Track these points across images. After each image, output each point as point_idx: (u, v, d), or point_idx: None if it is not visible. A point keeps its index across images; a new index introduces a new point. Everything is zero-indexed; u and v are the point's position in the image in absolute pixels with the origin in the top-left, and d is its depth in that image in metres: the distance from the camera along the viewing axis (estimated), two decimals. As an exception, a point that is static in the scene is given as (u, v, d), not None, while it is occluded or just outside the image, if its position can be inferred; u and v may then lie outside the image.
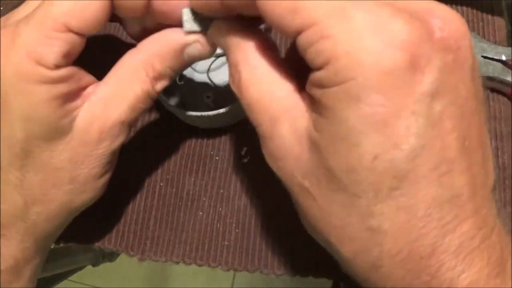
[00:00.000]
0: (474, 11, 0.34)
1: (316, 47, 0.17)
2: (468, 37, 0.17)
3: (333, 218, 0.18)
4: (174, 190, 0.32)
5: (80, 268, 0.65)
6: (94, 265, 0.67)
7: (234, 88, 0.21)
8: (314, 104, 0.18)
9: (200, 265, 0.30)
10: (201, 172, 0.32)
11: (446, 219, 0.16)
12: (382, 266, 0.17)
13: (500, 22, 0.34)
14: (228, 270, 0.30)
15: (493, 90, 0.32)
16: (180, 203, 0.31)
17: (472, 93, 0.17)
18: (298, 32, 0.17)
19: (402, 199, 0.16)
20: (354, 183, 0.17)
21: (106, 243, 0.31)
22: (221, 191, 0.31)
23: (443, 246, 0.17)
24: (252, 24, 0.21)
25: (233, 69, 0.21)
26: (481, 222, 0.17)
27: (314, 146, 0.18)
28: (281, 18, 0.17)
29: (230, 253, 0.30)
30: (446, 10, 0.17)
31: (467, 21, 0.34)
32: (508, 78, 0.31)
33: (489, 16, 0.34)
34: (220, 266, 0.30)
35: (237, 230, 0.30)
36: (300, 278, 0.29)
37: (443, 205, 0.16)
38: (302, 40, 0.17)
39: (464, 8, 0.34)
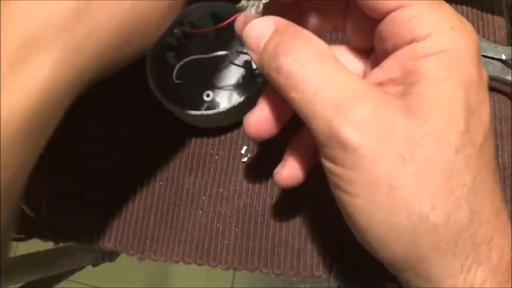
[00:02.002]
0: (474, 10, 0.34)
1: (418, 21, 0.19)
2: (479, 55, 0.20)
3: (428, 181, 0.18)
4: (173, 189, 0.32)
5: (80, 268, 0.65)
6: (94, 265, 0.67)
7: (280, 82, 0.20)
8: (401, 81, 0.20)
9: (200, 264, 0.30)
10: (200, 171, 0.32)
11: (497, 181, 0.19)
12: (470, 227, 0.18)
13: (500, 22, 0.34)
14: (228, 269, 0.30)
15: (493, 89, 0.32)
16: (179, 202, 0.31)
17: (487, 107, 0.20)
18: (395, 8, 0.19)
19: (484, 157, 0.19)
20: (456, 138, 0.18)
21: (106, 243, 0.31)
22: (221, 190, 0.31)
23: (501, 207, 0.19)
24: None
25: (276, 60, 0.20)
26: (492, 232, 0.18)
27: (414, 110, 0.18)
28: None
29: (230, 252, 0.30)
30: (470, 25, 0.20)
31: (467, 21, 0.34)
32: (508, 77, 0.31)
33: (489, 16, 0.34)
34: (220, 265, 0.30)
35: (236, 229, 0.30)
36: (300, 278, 0.29)
37: (496, 172, 0.19)
38: (400, 15, 0.19)
39: (464, 7, 0.34)
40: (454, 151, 0.18)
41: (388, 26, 0.20)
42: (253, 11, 0.24)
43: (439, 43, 0.19)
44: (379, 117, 0.18)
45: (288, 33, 0.21)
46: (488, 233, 0.18)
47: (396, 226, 0.18)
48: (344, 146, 0.18)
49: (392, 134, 0.18)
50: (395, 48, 0.20)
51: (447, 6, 0.20)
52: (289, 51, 0.20)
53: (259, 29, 0.21)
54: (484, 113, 0.19)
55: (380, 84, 0.20)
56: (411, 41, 0.19)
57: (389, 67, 0.20)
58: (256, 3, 0.24)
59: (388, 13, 0.20)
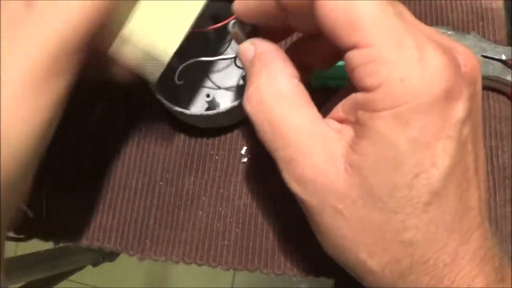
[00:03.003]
0: (474, 10, 0.34)
1: (369, 68, 0.18)
2: (480, 73, 0.20)
3: (364, 236, 0.19)
4: (174, 189, 0.32)
5: (80, 268, 0.65)
6: (94, 265, 0.67)
7: (249, 108, 0.21)
8: (353, 128, 0.19)
9: (200, 265, 0.30)
10: (201, 171, 0.32)
11: (463, 229, 0.18)
12: (410, 275, 0.19)
13: (500, 22, 0.34)
14: (228, 269, 0.30)
15: (493, 89, 0.32)
16: (180, 203, 0.31)
17: (480, 119, 0.20)
18: (351, 48, 0.18)
19: (434, 213, 0.18)
20: (394, 200, 0.18)
21: (106, 243, 0.31)
22: (221, 190, 0.31)
23: (462, 253, 0.18)
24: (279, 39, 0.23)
25: (253, 88, 0.21)
26: (486, 233, 0.19)
27: (354, 169, 0.19)
28: (337, 28, 0.18)
29: (230, 253, 0.30)
30: (464, 49, 0.20)
31: (467, 21, 0.34)
32: (508, 78, 0.31)
33: (489, 16, 0.34)
34: (220, 266, 0.30)
35: (237, 230, 0.30)
36: (300, 278, 0.29)
37: (462, 218, 0.18)
38: (353, 57, 0.18)
39: (464, 7, 0.34)
40: (391, 212, 0.18)
41: (347, 64, 0.19)
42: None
43: (388, 99, 0.17)
44: (321, 174, 0.19)
45: (258, 65, 0.22)
46: (440, 277, 0.18)
47: (345, 262, 0.20)
48: (295, 196, 0.21)
49: (331, 191, 0.19)
50: (355, 89, 0.19)
51: (412, 42, 0.18)
52: (256, 87, 0.21)
53: (244, 53, 0.23)
54: (439, 167, 0.18)
55: (340, 121, 0.20)
56: (362, 89, 0.18)
57: (348, 108, 0.20)
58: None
59: (345, 50, 0.18)
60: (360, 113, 0.18)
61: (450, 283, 0.18)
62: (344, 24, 0.18)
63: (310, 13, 0.19)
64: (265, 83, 0.21)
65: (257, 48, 0.22)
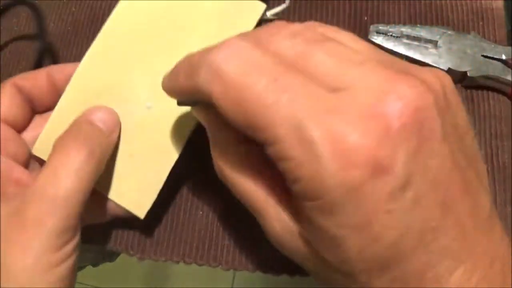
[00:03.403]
0: (474, 10, 0.34)
1: (282, 165, 0.17)
2: (431, 102, 0.17)
3: (327, 283, 0.20)
4: (173, 189, 0.31)
5: (80, 268, 0.65)
6: (94, 265, 0.67)
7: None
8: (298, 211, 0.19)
9: (200, 265, 0.30)
10: (201, 171, 0.32)
11: (438, 275, 0.17)
12: None
13: (500, 22, 0.34)
14: (228, 269, 0.30)
15: (493, 89, 0.32)
16: (180, 203, 0.31)
17: (445, 155, 0.17)
18: (264, 144, 0.17)
19: (394, 274, 0.17)
20: (348, 271, 0.18)
21: (106, 243, 0.31)
22: (221, 190, 0.31)
23: None
24: None
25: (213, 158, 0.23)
26: (478, 261, 0.18)
27: (307, 241, 0.19)
28: (243, 129, 0.18)
29: (230, 253, 0.30)
30: (404, 86, 0.17)
31: (467, 20, 0.34)
32: (508, 78, 0.31)
33: (489, 16, 0.34)
34: (220, 266, 0.30)
35: (237, 230, 0.30)
36: (300, 278, 0.29)
37: (434, 265, 0.17)
38: (268, 152, 0.18)
39: (464, 7, 0.34)
40: (349, 277, 0.18)
41: None
42: None
43: (306, 193, 0.17)
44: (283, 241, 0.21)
45: None
46: None
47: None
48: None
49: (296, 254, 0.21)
50: None
51: (315, 130, 0.16)
52: None
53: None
54: (384, 241, 0.17)
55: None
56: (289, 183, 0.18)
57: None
58: None
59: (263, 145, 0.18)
60: (295, 201, 0.19)
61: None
62: (249, 129, 0.17)
63: None
64: (219, 158, 0.23)
65: None
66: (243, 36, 0.19)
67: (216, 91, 0.18)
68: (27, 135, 0.27)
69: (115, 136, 0.26)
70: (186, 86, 0.20)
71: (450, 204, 0.17)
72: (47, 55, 0.28)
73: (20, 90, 0.27)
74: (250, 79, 0.17)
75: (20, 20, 0.37)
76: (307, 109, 0.16)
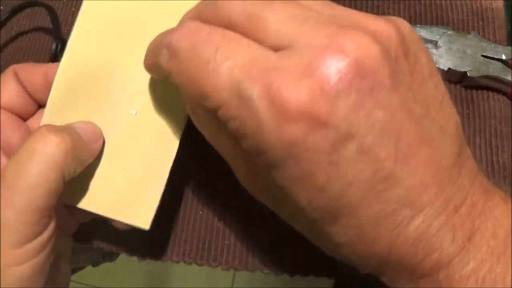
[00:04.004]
0: (474, 10, 0.34)
1: (229, 125, 0.18)
2: (376, 53, 0.17)
3: (303, 233, 0.22)
4: (173, 189, 0.31)
5: (80, 268, 0.64)
6: (94, 265, 0.67)
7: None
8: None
9: (200, 265, 0.30)
10: (201, 171, 0.32)
11: (395, 222, 0.18)
12: (354, 264, 0.20)
13: (500, 22, 0.34)
14: (228, 269, 0.30)
15: (493, 89, 0.32)
16: (180, 202, 0.31)
17: (394, 105, 0.17)
18: (213, 110, 0.18)
19: (347, 221, 0.18)
20: (306, 218, 0.19)
21: (106, 243, 0.31)
22: (222, 190, 0.31)
23: (399, 243, 0.18)
24: None
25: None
26: (440, 208, 0.18)
27: (269, 190, 0.21)
28: (196, 99, 0.19)
29: (230, 253, 0.30)
30: (344, 40, 0.17)
31: (467, 20, 0.34)
32: (508, 78, 0.31)
33: (489, 16, 0.34)
34: (220, 266, 0.30)
35: (237, 230, 0.30)
36: (300, 278, 0.29)
37: (391, 214, 0.18)
38: (218, 116, 0.18)
39: (464, 7, 0.34)
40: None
41: None
42: None
43: (253, 149, 0.18)
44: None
45: None
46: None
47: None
48: None
49: None
50: None
51: (254, 90, 0.17)
52: None
53: None
54: (329, 191, 0.18)
55: None
56: None
57: None
58: None
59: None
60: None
61: (395, 266, 0.19)
62: (200, 97, 0.19)
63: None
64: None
65: None
66: (198, 11, 0.20)
67: (172, 68, 0.19)
68: (31, 125, 0.27)
69: (95, 147, 0.24)
70: (154, 65, 0.21)
71: (404, 154, 0.17)
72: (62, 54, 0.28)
73: (18, 79, 0.26)
74: (197, 53, 0.18)
75: (20, 20, 0.37)
76: (247, 71, 0.17)
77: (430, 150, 0.18)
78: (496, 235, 0.18)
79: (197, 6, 0.21)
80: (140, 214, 0.25)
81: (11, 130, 0.25)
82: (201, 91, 0.18)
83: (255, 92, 0.17)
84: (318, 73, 0.17)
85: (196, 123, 0.23)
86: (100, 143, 0.25)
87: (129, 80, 0.25)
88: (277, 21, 0.18)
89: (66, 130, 0.23)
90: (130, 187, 0.25)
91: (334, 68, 0.17)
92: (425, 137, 0.18)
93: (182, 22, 0.21)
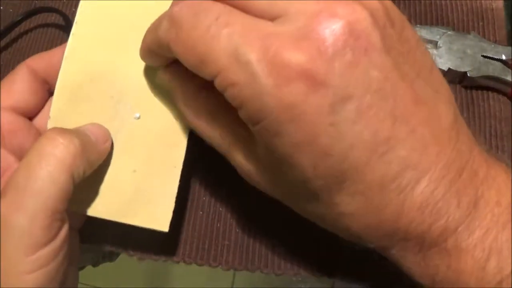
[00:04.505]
0: (474, 10, 0.34)
1: (227, 93, 0.18)
2: (366, 16, 0.18)
3: (308, 214, 0.21)
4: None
5: (80, 268, 0.64)
6: (94, 265, 0.67)
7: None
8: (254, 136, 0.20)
9: (200, 265, 0.30)
10: (201, 171, 0.32)
11: (400, 186, 0.18)
12: (361, 238, 0.20)
13: (500, 22, 0.34)
14: (228, 269, 0.30)
15: (493, 89, 0.32)
16: (179, 203, 0.31)
17: (387, 66, 0.18)
18: (212, 78, 0.19)
19: (353, 187, 0.18)
20: (310, 188, 0.19)
21: (106, 243, 0.31)
22: (222, 190, 0.31)
23: (405, 209, 0.18)
24: None
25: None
26: (443, 171, 0.18)
27: (264, 166, 0.20)
28: (195, 68, 0.19)
29: (230, 253, 0.30)
30: (336, 5, 0.18)
31: (467, 20, 0.34)
32: (508, 78, 0.31)
33: (489, 16, 0.34)
34: (220, 266, 0.30)
35: (237, 230, 0.30)
36: (301, 278, 0.29)
37: (395, 177, 0.18)
38: (216, 85, 0.19)
39: (464, 7, 0.34)
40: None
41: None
42: None
43: (251, 116, 0.18)
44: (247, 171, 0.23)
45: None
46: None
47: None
48: None
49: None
50: None
51: (253, 56, 0.18)
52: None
53: None
54: (334, 153, 0.18)
55: None
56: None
57: None
58: None
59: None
60: (248, 126, 0.19)
61: (403, 236, 0.19)
62: (198, 65, 0.19)
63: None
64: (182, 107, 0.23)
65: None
66: None
67: (172, 37, 0.20)
68: (42, 116, 0.26)
69: (104, 147, 0.24)
70: (151, 42, 0.22)
71: (402, 115, 0.18)
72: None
73: (34, 72, 0.26)
74: (197, 20, 0.19)
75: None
76: (245, 37, 0.18)
77: (427, 110, 0.18)
78: (499, 203, 0.18)
79: None
80: (158, 217, 0.25)
81: (22, 136, 0.25)
82: (200, 57, 0.18)
83: (254, 55, 0.17)
84: (314, 35, 0.17)
85: (189, 117, 0.23)
86: (108, 144, 0.25)
87: (130, 83, 0.25)
88: None
89: (74, 132, 0.23)
90: (142, 190, 0.25)
91: (329, 30, 0.17)
92: (420, 98, 0.18)
93: None
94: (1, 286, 0.20)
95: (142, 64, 0.25)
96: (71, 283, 0.26)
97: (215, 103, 0.22)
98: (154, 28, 0.22)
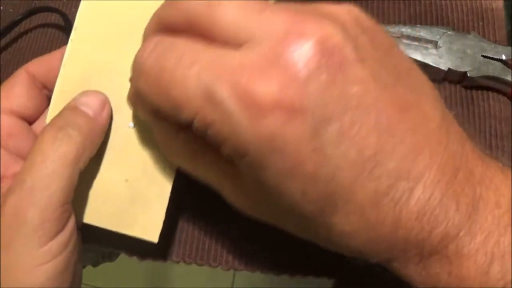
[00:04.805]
0: (474, 10, 0.34)
1: (207, 134, 0.18)
2: (337, 31, 0.17)
3: (304, 235, 0.21)
4: (173, 189, 0.31)
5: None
6: (94, 265, 0.67)
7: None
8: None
9: (200, 265, 0.30)
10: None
11: (395, 199, 0.17)
12: (362, 253, 0.19)
13: (500, 22, 0.34)
14: (228, 269, 0.30)
15: (493, 89, 0.32)
16: (179, 203, 0.31)
17: (364, 78, 0.17)
18: (189, 123, 0.18)
19: (346, 208, 0.18)
20: (303, 214, 0.19)
21: (106, 243, 0.31)
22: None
23: (403, 219, 0.17)
24: None
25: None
26: (437, 175, 0.18)
27: (258, 198, 0.20)
28: (172, 115, 0.19)
29: (230, 253, 0.30)
30: (303, 24, 0.17)
31: (467, 20, 0.34)
32: (508, 78, 0.31)
33: (489, 16, 0.34)
34: (220, 266, 0.30)
35: (237, 230, 0.30)
36: (300, 278, 0.29)
37: (387, 191, 0.17)
38: (195, 128, 0.18)
39: (464, 7, 0.34)
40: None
41: None
42: None
43: (231, 153, 0.18)
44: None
45: None
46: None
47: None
48: None
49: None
50: None
51: (222, 96, 0.17)
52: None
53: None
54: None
55: None
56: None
57: None
58: None
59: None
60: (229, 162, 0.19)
61: (403, 247, 0.18)
62: (173, 110, 0.18)
63: None
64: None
65: None
66: (158, 17, 0.21)
67: (142, 86, 0.19)
68: (41, 122, 0.27)
69: (104, 116, 0.24)
70: (133, 95, 0.22)
71: (387, 126, 0.17)
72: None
73: (33, 77, 0.26)
74: (163, 64, 0.18)
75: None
76: (214, 74, 0.17)
77: (412, 116, 0.18)
78: (499, 205, 0.18)
79: (156, 12, 0.21)
80: (148, 227, 0.25)
81: (21, 139, 0.25)
82: (174, 103, 0.18)
83: (224, 92, 0.17)
84: (283, 60, 0.16)
85: (171, 157, 0.23)
86: (108, 109, 0.24)
87: (125, 92, 0.25)
88: (234, 16, 0.18)
89: (70, 124, 0.23)
90: (134, 200, 0.25)
91: (299, 52, 0.16)
92: (403, 104, 0.18)
93: (144, 38, 0.22)
94: (13, 280, 0.21)
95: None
96: (78, 282, 0.26)
97: (195, 143, 0.21)
98: (132, 81, 0.21)
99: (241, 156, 0.18)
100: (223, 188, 0.22)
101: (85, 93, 0.24)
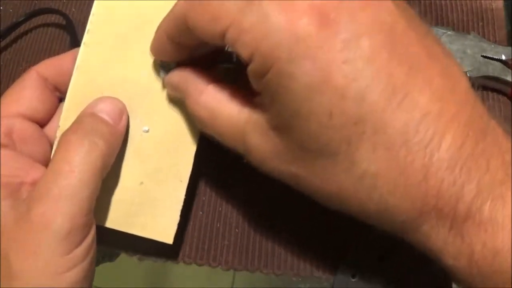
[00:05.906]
0: (474, 10, 0.34)
1: (239, 43, 0.18)
2: None
3: (328, 186, 0.19)
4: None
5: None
6: (94, 265, 0.67)
7: (200, 123, 0.23)
8: (261, 97, 0.19)
9: (200, 265, 0.30)
10: (200, 171, 0.32)
11: (425, 139, 0.16)
12: (388, 207, 0.17)
13: (500, 22, 0.34)
14: (228, 269, 0.30)
15: (493, 89, 0.32)
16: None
17: (397, 13, 0.18)
18: (224, 34, 0.18)
19: (373, 139, 0.17)
20: (326, 146, 0.18)
21: (106, 243, 0.31)
22: (221, 190, 0.31)
23: (434, 165, 0.16)
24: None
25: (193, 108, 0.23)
26: (466, 128, 0.17)
27: (279, 133, 0.19)
28: (207, 27, 0.19)
29: (230, 253, 0.30)
30: None
31: (467, 20, 0.34)
32: (508, 78, 0.31)
33: (489, 16, 0.34)
34: (220, 266, 0.30)
35: (237, 230, 0.30)
36: (300, 278, 0.29)
37: (417, 127, 0.16)
38: (227, 40, 0.18)
39: (464, 7, 0.34)
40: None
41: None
42: None
43: (263, 64, 0.18)
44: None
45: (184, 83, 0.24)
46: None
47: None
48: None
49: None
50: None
51: (262, 3, 0.17)
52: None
53: (170, 83, 0.25)
54: (352, 96, 0.17)
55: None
56: (246, 63, 0.19)
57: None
58: None
59: (222, 41, 0.19)
60: (256, 83, 0.19)
61: (435, 199, 0.17)
62: (210, 21, 0.19)
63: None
64: (200, 99, 0.22)
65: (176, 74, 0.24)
66: None
67: (187, 7, 0.20)
68: (52, 124, 0.26)
69: (122, 125, 0.24)
70: (167, 26, 0.22)
71: (417, 62, 0.17)
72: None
73: (44, 79, 0.26)
74: None
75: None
76: None
77: (441, 66, 0.18)
78: None
79: None
80: (163, 229, 0.26)
81: (33, 142, 0.25)
82: (212, 14, 0.19)
83: None
84: None
85: (200, 112, 0.23)
86: (125, 117, 0.25)
87: (139, 97, 0.25)
88: None
89: (93, 132, 0.23)
90: (149, 202, 0.25)
91: None
92: (433, 53, 0.18)
93: None
94: (38, 287, 0.21)
95: (152, 78, 0.25)
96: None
97: (223, 94, 0.22)
98: (169, 13, 0.22)
99: (271, 64, 0.17)
100: (250, 138, 0.21)
101: (102, 99, 0.24)
